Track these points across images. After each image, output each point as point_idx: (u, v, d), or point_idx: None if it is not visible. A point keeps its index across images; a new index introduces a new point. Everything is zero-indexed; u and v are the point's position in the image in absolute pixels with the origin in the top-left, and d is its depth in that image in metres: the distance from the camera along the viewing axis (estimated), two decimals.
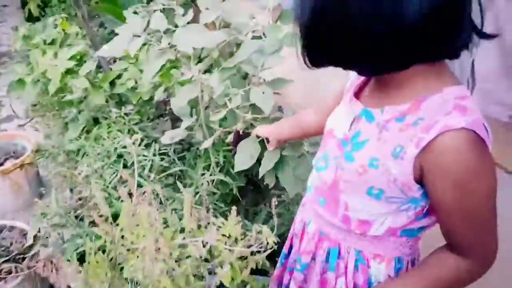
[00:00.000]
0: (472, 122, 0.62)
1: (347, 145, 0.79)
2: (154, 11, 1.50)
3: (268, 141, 1.28)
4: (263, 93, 1.33)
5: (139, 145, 1.81)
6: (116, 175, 1.53)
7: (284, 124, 1.24)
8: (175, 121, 2.17)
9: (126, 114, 1.95)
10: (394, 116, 0.71)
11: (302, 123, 1.15)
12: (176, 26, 1.45)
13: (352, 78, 0.88)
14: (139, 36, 1.46)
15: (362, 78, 0.83)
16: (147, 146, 1.80)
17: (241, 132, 1.37)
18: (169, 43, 1.42)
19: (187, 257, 0.87)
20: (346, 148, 0.80)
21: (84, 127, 1.96)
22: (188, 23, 1.44)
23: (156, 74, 1.47)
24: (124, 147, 1.67)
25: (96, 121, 2.08)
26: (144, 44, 1.52)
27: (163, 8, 1.52)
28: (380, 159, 0.72)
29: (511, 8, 0.87)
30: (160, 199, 1.56)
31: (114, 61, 1.95)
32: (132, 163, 1.70)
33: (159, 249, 0.79)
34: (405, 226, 0.78)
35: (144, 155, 1.65)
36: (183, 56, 1.50)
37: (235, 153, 1.37)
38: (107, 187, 1.56)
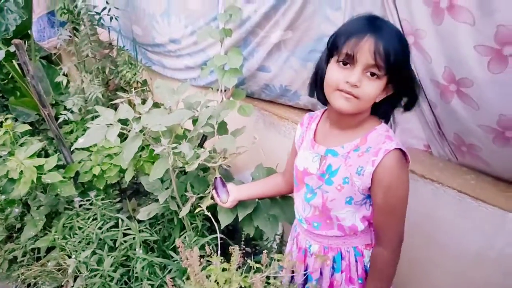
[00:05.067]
0: (398, 144, 1.03)
1: (325, 175, 1.13)
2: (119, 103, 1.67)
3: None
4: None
5: (113, 227, 1.88)
6: (115, 258, 1.59)
7: (243, 186, 1.53)
8: (138, 197, 2.27)
9: (88, 199, 2.00)
10: (351, 148, 1.09)
11: (271, 184, 1.47)
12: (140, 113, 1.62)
13: (297, 135, 1.28)
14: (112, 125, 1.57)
15: (307, 130, 1.23)
16: (116, 225, 1.88)
17: (218, 178, 1.51)
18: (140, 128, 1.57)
19: None
20: (325, 177, 1.13)
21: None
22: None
23: (135, 156, 1.60)
24: (108, 230, 1.74)
25: (54, 214, 2.06)
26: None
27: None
28: (349, 177, 1.08)
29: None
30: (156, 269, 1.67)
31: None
32: (114, 246, 1.77)
33: None
34: (369, 217, 1.13)
35: (129, 234, 1.74)
36: (151, 136, 1.68)
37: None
38: (102, 275, 1.60)
